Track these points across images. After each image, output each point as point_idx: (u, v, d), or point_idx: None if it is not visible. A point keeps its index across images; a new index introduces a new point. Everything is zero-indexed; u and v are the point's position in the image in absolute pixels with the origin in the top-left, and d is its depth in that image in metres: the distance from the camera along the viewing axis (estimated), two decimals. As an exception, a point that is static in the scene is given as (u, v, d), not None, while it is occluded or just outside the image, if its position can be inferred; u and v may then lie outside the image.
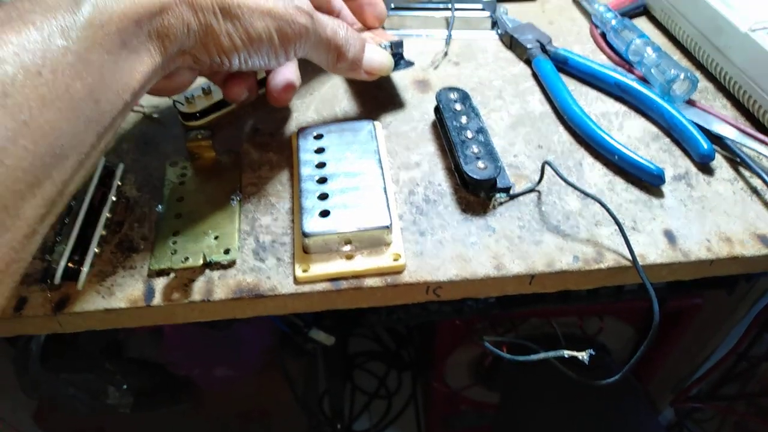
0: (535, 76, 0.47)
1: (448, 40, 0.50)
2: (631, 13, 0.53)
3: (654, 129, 0.43)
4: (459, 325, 0.74)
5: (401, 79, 0.47)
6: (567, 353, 0.36)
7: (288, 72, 0.39)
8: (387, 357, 1.15)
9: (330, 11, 0.42)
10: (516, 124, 0.44)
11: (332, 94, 0.46)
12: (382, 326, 1.11)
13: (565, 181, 0.37)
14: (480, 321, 0.74)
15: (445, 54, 0.49)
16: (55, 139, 0.24)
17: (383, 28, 0.51)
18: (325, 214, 0.35)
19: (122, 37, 0.26)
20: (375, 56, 0.39)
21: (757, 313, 0.70)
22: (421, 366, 1.07)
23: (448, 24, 0.51)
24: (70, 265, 0.33)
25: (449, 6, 0.52)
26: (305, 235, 0.34)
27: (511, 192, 0.38)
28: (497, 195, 0.38)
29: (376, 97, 0.46)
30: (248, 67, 0.33)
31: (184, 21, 0.29)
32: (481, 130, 0.40)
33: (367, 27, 0.44)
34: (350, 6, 0.43)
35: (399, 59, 0.43)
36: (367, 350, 1.16)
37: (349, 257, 0.35)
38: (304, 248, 0.35)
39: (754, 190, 0.39)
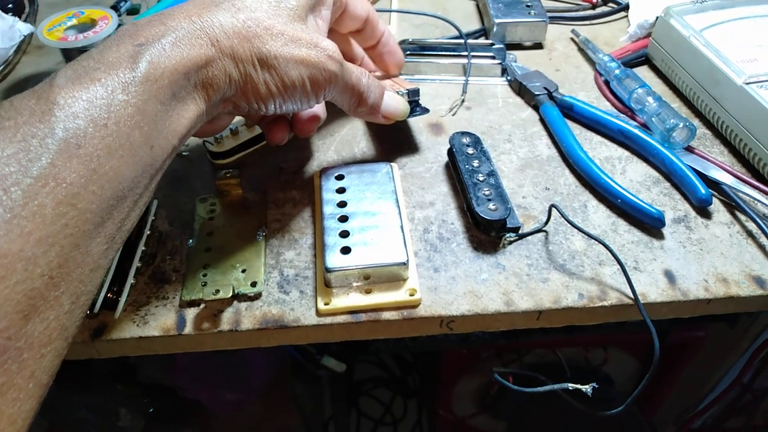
0: (542, 121, 0.50)
1: (465, 88, 0.53)
2: (633, 62, 0.56)
3: (655, 174, 0.46)
4: (465, 354, 0.76)
5: (416, 122, 0.50)
6: (571, 386, 0.38)
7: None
8: (393, 384, 1.16)
9: (353, 59, 0.45)
10: (524, 166, 0.46)
11: (351, 136, 0.49)
12: (390, 353, 1.12)
13: (571, 223, 0.40)
14: (486, 350, 0.75)
15: (463, 101, 0.52)
16: (118, 183, 0.27)
17: (399, 74, 0.54)
18: (346, 250, 0.37)
19: (173, 89, 0.29)
20: (392, 102, 0.41)
21: (759, 346, 0.72)
22: (427, 393, 1.08)
23: (465, 71, 0.54)
24: (108, 295, 0.36)
25: (461, 53, 0.55)
26: (328, 270, 0.37)
27: (520, 232, 0.41)
28: (507, 234, 0.40)
29: (392, 139, 0.49)
30: (282, 111, 0.36)
31: (226, 72, 0.31)
32: (492, 173, 0.42)
33: (386, 73, 0.47)
34: (370, 54, 0.46)
35: (415, 106, 0.46)
36: (372, 377, 1.17)
37: (368, 291, 0.37)
38: (326, 282, 0.38)
39: (749, 234, 0.42)
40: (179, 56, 0.29)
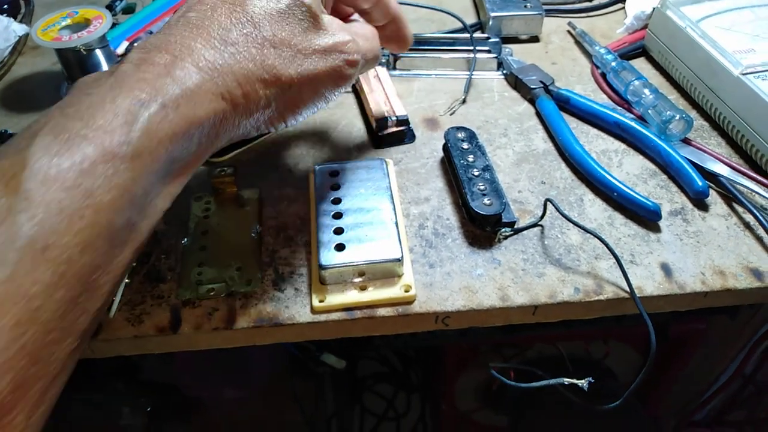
0: (538, 114, 0.50)
1: (467, 84, 0.53)
2: (630, 54, 0.55)
3: (651, 166, 0.46)
4: (466, 349, 0.76)
5: (411, 117, 0.50)
6: (567, 381, 0.38)
7: None
8: (395, 379, 1.16)
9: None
10: (520, 161, 0.46)
11: (347, 132, 0.49)
12: (390, 349, 1.12)
13: (566, 217, 0.40)
14: (487, 345, 0.75)
15: (464, 100, 0.52)
16: (90, 275, 0.23)
17: (395, 67, 0.54)
18: (340, 247, 0.37)
19: (171, 156, 0.26)
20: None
21: (759, 338, 0.71)
22: (430, 388, 1.08)
23: (466, 65, 0.54)
24: (103, 294, 0.36)
25: (458, 48, 0.55)
26: (322, 267, 0.37)
27: (516, 227, 0.41)
28: (502, 229, 0.40)
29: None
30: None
31: (237, 124, 0.29)
32: (487, 168, 0.42)
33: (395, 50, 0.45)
34: (380, 32, 0.43)
35: (403, 136, 0.47)
36: (375, 372, 1.17)
37: (363, 288, 0.37)
38: (320, 279, 0.38)
39: (747, 226, 0.41)
40: (182, 117, 0.26)
